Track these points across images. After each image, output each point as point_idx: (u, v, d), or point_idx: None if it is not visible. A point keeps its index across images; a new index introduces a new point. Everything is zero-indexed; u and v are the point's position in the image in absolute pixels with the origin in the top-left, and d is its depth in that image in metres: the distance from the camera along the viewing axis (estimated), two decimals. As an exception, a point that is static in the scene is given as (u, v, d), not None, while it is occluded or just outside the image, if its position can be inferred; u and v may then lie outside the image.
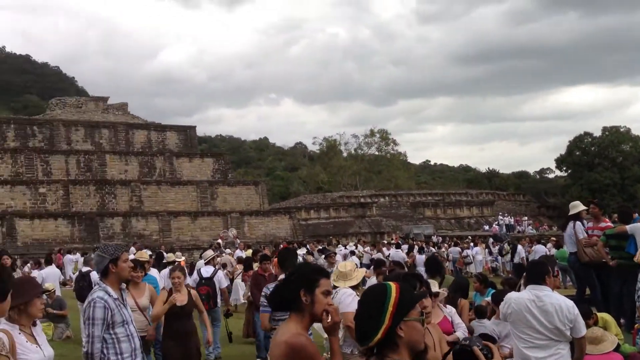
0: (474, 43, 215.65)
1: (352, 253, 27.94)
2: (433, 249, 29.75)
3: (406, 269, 13.68)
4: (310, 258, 23.33)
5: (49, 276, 15.60)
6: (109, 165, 47.44)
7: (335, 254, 22.67)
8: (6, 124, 48.26)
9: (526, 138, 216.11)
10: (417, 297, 3.17)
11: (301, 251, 24.22)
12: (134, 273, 8.11)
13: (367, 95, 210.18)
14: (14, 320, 4.45)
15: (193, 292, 9.06)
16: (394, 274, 8.30)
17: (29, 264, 20.22)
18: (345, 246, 33.27)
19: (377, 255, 25.58)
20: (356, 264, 9.15)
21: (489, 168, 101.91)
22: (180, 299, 8.35)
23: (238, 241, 35.27)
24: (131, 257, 10.09)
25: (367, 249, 30.32)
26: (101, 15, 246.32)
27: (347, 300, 6.45)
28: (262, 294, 7.61)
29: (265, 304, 7.16)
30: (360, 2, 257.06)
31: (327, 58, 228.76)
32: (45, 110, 61.50)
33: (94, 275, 14.08)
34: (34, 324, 4.66)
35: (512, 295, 6.64)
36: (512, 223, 57.09)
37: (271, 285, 7.10)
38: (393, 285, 3.07)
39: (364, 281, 8.47)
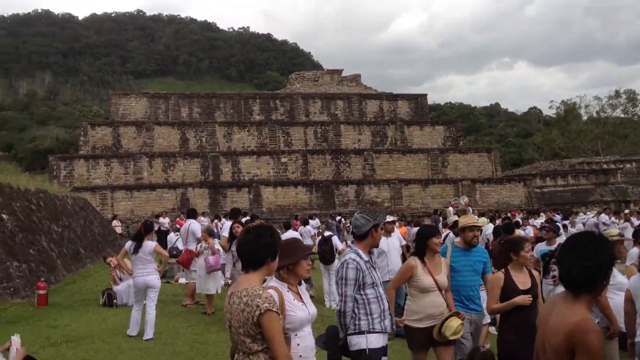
0: None
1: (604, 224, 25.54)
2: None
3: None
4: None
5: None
6: (344, 135, 49.29)
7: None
8: (252, 99, 52.51)
9: None
10: None
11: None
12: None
13: (611, 53, 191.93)
14: (283, 278, 4.70)
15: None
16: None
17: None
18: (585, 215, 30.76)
19: (623, 225, 23.41)
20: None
21: None
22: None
23: (470, 209, 34.49)
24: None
25: (612, 218, 27.75)
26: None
27: None
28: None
29: None
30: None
31: (566, 17, 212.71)
32: (285, 84, 65.77)
33: (335, 240, 14.72)
34: (300, 283, 4.87)
35: None
36: None
37: None
38: None
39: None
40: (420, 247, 6.80)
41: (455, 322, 6.38)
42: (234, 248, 10.14)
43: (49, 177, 41.00)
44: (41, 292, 13.80)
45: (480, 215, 28.26)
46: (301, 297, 4.76)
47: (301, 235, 20.66)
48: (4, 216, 17.07)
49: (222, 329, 10.68)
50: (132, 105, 49.56)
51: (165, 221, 31.10)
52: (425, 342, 6.60)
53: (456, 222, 12.02)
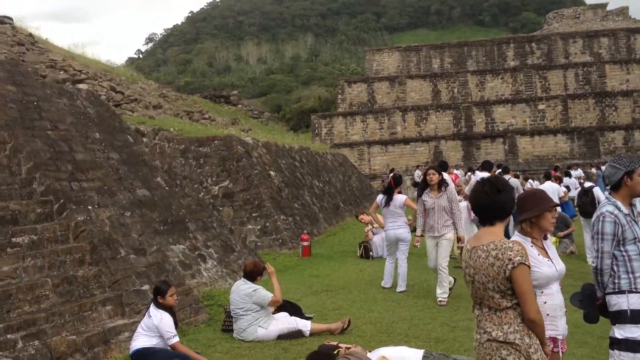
0: None
1: None
2: None
3: None
4: None
5: (547, 192, 15.62)
6: (609, 76, 44.79)
7: None
8: (505, 44, 50.18)
9: None
10: None
11: None
12: None
13: None
14: (526, 232, 4.52)
15: None
16: None
17: (529, 180, 20.76)
18: None
19: None
20: None
21: None
22: None
23: None
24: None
25: None
26: None
27: None
28: None
29: None
30: None
31: None
32: (542, 25, 61.52)
33: (597, 191, 13.53)
34: (545, 238, 4.63)
35: None
36: None
37: None
38: None
39: None
40: None
41: None
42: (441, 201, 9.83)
43: (311, 135, 44.10)
44: (305, 243, 15.01)
45: None
46: (547, 252, 4.54)
47: (567, 187, 19.39)
48: (271, 172, 18.81)
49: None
50: (385, 61, 50.65)
51: (417, 174, 31.56)
52: None
53: None
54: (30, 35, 27.94)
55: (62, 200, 8.66)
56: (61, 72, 26.46)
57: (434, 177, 9.84)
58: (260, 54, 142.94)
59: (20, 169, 8.81)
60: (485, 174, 12.46)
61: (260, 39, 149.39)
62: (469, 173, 28.78)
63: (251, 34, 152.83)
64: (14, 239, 7.69)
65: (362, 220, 15.78)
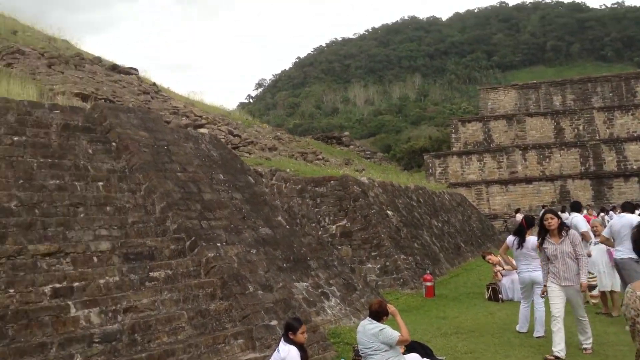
0: None
1: None
2: None
3: None
4: None
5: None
6: None
7: None
8: (634, 79, 47.64)
9: None
10: None
11: None
12: None
13: None
14: None
15: None
16: None
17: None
18: None
19: None
20: None
21: None
22: None
23: None
24: None
25: None
26: None
27: None
28: None
29: None
30: None
31: None
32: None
33: None
34: None
35: None
36: None
37: None
38: None
39: None
40: None
41: None
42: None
43: (425, 175, 43.52)
44: (428, 284, 14.55)
45: None
46: None
47: None
48: (389, 212, 18.57)
49: (622, 331, 9.75)
50: (501, 99, 49.45)
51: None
52: None
53: None
54: (154, 84, 29.61)
55: (193, 238, 8.90)
56: (183, 118, 27.77)
57: (552, 222, 9.03)
58: (367, 95, 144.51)
59: (154, 208, 9.15)
60: (629, 215, 11.51)
61: (367, 81, 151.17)
62: (602, 214, 27.11)
63: (357, 76, 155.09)
64: (151, 274, 7.93)
65: (490, 261, 15.13)
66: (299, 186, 18.21)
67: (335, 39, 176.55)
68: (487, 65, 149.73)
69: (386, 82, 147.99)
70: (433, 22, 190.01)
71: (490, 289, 14.12)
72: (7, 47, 20.84)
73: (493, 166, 42.91)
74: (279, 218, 12.97)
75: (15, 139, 8.27)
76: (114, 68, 26.86)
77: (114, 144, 9.64)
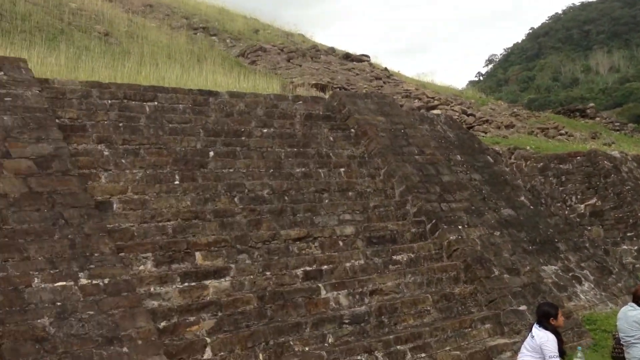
0: None
1: None
2: None
3: None
4: None
5: None
6: None
7: None
8: None
9: None
10: None
11: None
12: None
13: None
14: None
15: None
16: None
17: None
18: None
19: None
20: None
21: None
22: None
23: None
24: None
25: None
26: None
27: None
28: None
29: None
30: None
31: None
32: None
33: None
34: None
35: None
36: None
37: None
38: None
39: None
40: None
41: None
42: None
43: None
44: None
45: None
46: None
47: None
48: None
49: None
50: None
51: None
52: None
53: None
54: (386, 69, 30.06)
55: (433, 221, 8.86)
56: (415, 101, 27.84)
57: None
58: (611, 62, 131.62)
59: (394, 192, 9.27)
60: None
61: (611, 47, 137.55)
62: None
63: (600, 42, 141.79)
64: (394, 257, 8.06)
65: None
66: (541, 164, 17.27)
67: (573, 4, 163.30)
68: None
69: (633, 46, 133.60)
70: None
71: None
72: (251, 46, 22.75)
73: None
74: (522, 198, 12.42)
75: (265, 130, 8.93)
76: (347, 57, 27.81)
77: (352, 130, 9.95)
